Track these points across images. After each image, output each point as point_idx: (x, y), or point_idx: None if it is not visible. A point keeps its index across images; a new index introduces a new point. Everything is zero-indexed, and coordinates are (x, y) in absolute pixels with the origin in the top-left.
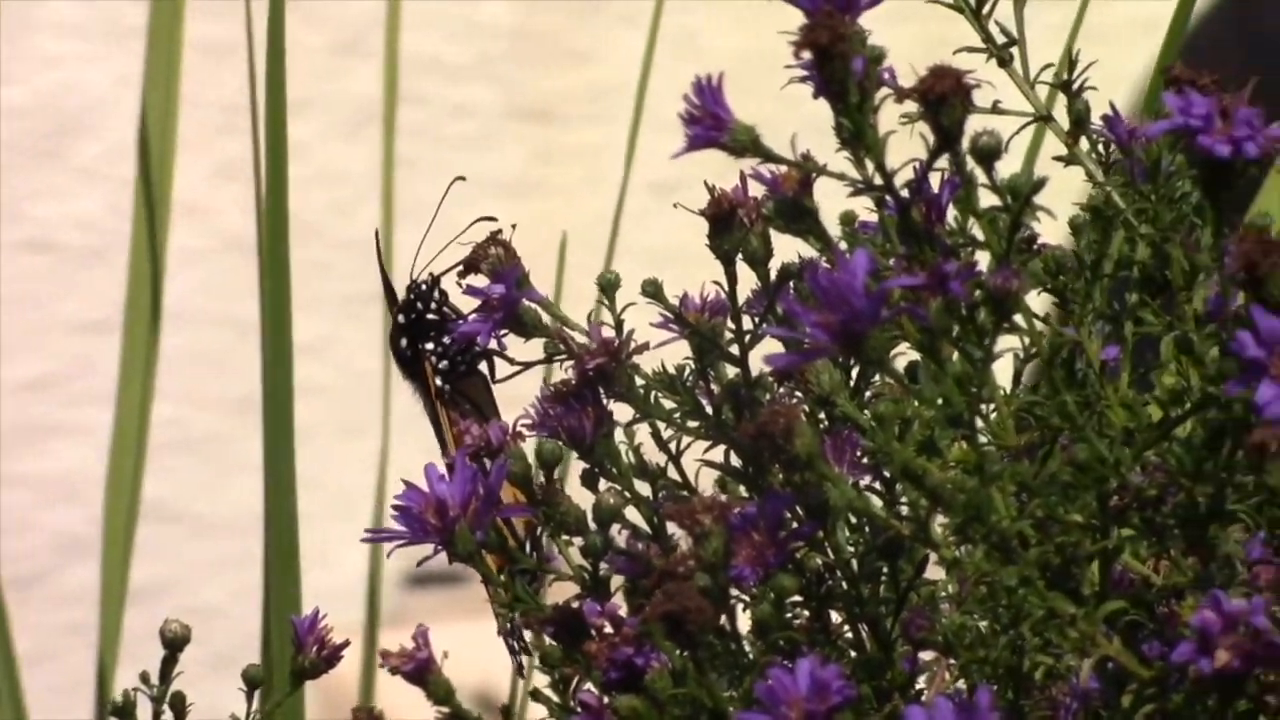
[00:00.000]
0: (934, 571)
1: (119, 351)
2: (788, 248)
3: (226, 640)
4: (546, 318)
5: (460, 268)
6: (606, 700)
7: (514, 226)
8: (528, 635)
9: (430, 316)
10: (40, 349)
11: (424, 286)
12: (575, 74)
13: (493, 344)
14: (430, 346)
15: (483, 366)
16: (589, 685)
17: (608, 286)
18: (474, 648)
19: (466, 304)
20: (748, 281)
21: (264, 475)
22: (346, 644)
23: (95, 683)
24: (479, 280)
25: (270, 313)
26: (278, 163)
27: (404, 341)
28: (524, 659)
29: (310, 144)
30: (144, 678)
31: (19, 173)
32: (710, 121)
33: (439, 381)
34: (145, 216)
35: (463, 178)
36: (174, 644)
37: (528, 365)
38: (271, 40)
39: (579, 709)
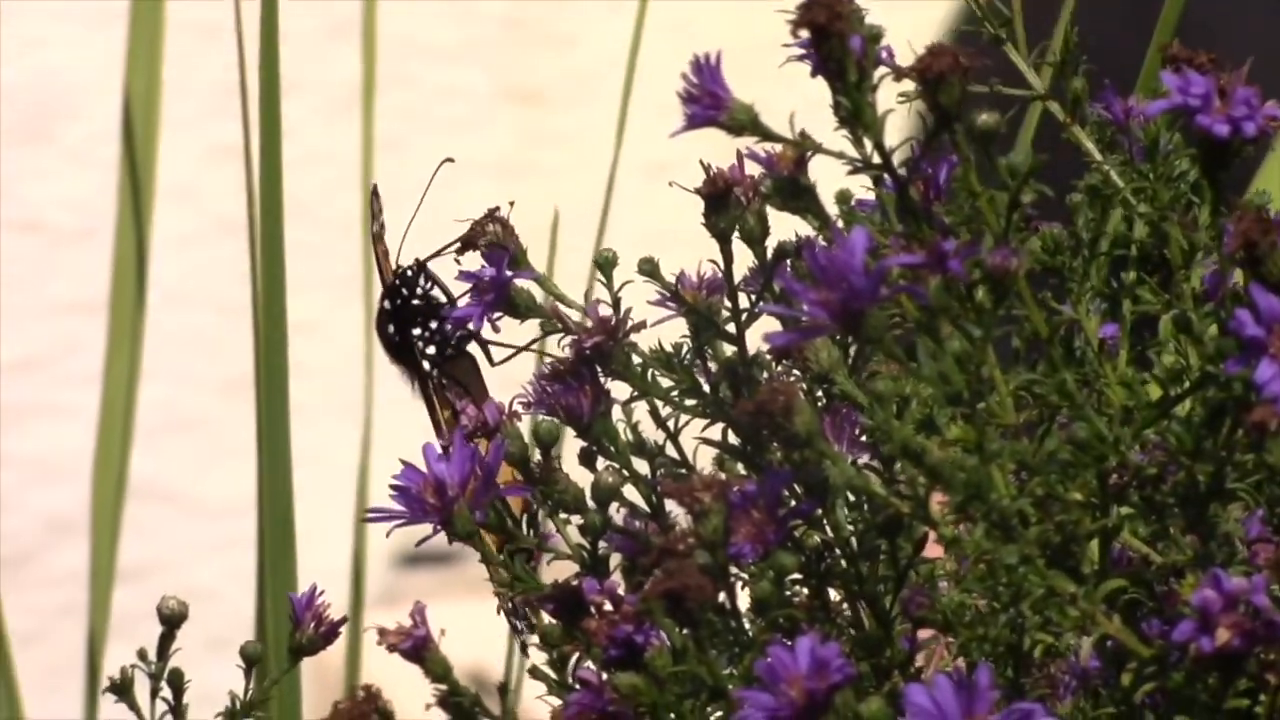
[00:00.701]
0: (933, 550)
1: (105, 332)
2: (784, 228)
3: (221, 622)
4: (541, 297)
5: (457, 245)
6: (606, 678)
7: (512, 204)
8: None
9: (416, 302)
10: (28, 329)
11: (409, 272)
12: (564, 57)
13: (486, 327)
14: (418, 332)
15: (473, 348)
16: (588, 663)
17: (605, 265)
18: (465, 629)
19: (458, 285)
20: (744, 261)
21: (257, 456)
22: (344, 620)
23: (85, 663)
24: (476, 259)
25: (265, 293)
26: (272, 144)
27: (391, 327)
28: (528, 637)
29: (299, 126)
30: (141, 655)
31: (7, 153)
32: (709, 100)
33: (426, 366)
34: (131, 198)
35: (451, 159)
36: (171, 620)
37: (522, 349)
38: (265, 22)
39: (578, 686)
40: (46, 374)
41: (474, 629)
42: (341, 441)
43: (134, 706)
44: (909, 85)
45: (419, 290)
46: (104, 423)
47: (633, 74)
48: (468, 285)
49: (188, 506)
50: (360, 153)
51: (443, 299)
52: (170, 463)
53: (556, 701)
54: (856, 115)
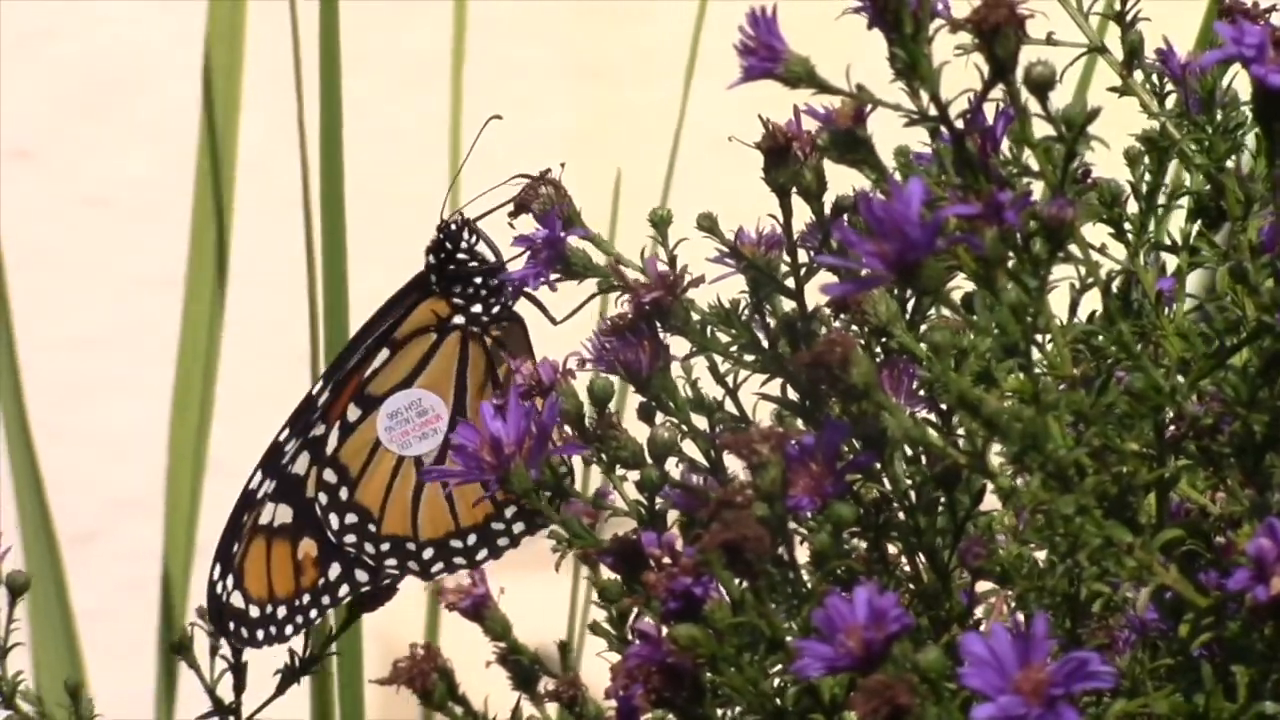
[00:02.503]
0: (990, 504)
1: (180, 309)
2: (841, 184)
3: None
4: (598, 256)
5: (510, 208)
6: (665, 631)
7: (563, 165)
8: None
9: (460, 256)
10: (97, 306)
11: (453, 226)
12: (633, 33)
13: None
14: (459, 288)
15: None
16: (647, 617)
17: (660, 222)
18: (525, 603)
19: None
20: (802, 219)
21: None
22: (400, 577)
23: (158, 639)
24: (528, 222)
25: (326, 269)
26: (332, 121)
27: (433, 279)
28: None
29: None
30: (201, 613)
31: (75, 129)
32: (765, 52)
33: (459, 319)
34: (210, 173)
35: (499, 116)
36: None
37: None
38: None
39: (637, 640)
40: (115, 351)
41: (534, 604)
42: None
43: (194, 664)
44: (965, 38)
45: (463, 244)
46: (179, 400)
47: (696, 49)
48: (523, 249)
49: None
50: (441, 127)
51: (489, 255)
52: (244, 440)
53: (616, 657)
54: (913, 67)
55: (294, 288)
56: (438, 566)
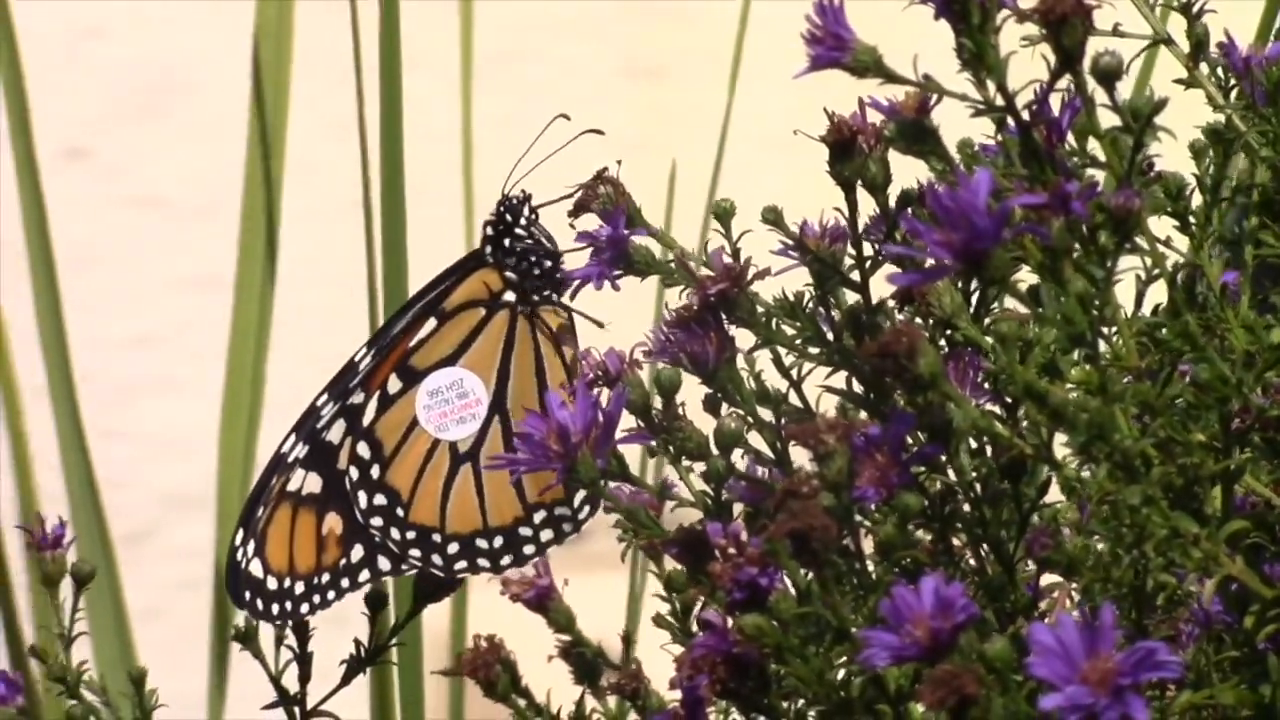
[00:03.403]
0: (1053, 498)
1: (230, 308)
2: (906, 177)
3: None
4: (660, 251)
5: (570, 209)
6: (730, 621)
7: (619, 163)
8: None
9: (519, 230)
10: (148, 305)
11: (515, 200)
12: (685, 33)
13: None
14: (513, 261)
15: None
16: (712, 608)
17: (723, 214)
18: (587, 604)
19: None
20: (865, 212)
21: None
22: (465, 570)
23: (211, 637)
24: (591, 221)
25: (385, 268)
26: (392, 119)
27: (488, 250)
28: None
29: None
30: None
31: (126, 129)
32: (832, 42)
33: (510, 296)
34: (260, 172)
35: (566, 116)
36: None
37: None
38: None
39: (702, 630)
40: (165, 350)
41: (596, 604)
42: None
43: (258, 655)
44: (1031, 29)
45: (523, 219)
46: (229, 398)
47: (741, 49)
48: (584, 245)
49: None
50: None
51: (544, 238)
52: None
53: (679, 650)
54: (979, 57)
55: (344, 286)
56: (461, 565)
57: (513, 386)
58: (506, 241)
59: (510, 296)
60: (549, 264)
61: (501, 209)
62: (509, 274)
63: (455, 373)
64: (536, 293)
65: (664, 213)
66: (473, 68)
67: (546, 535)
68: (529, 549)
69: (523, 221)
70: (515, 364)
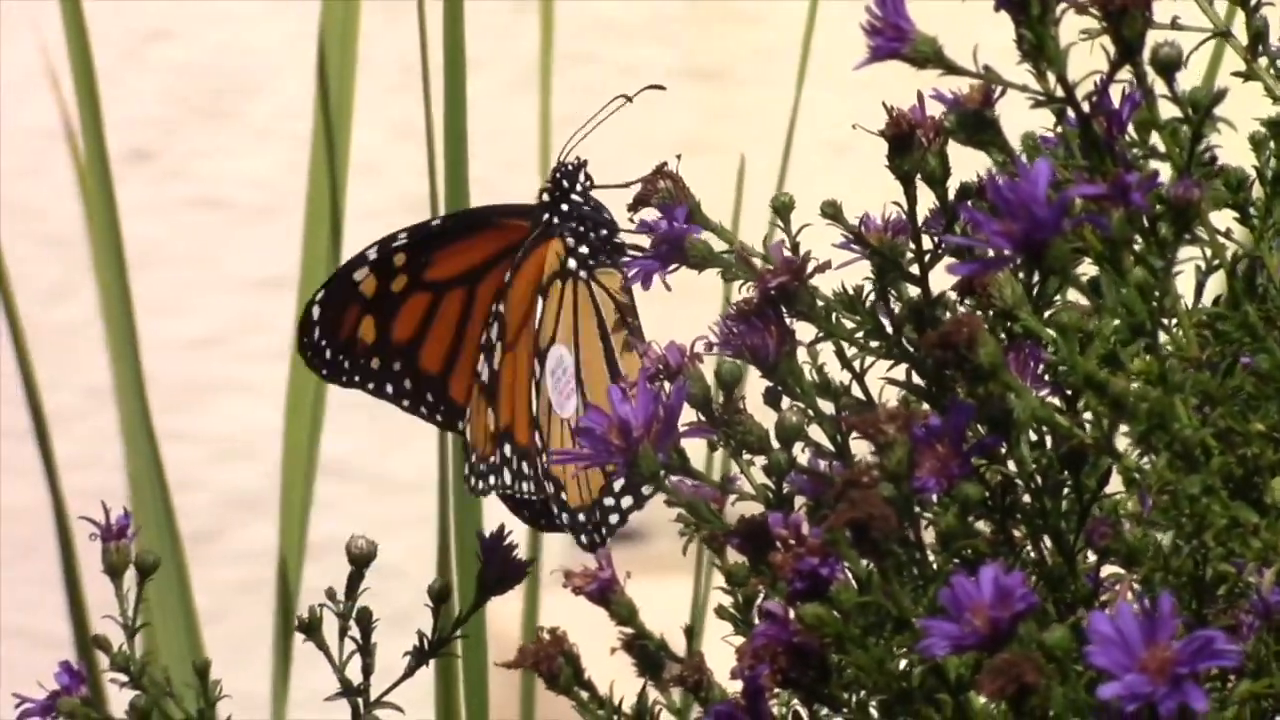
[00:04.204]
0: (1113, 489)
1: (294, 309)
2: (965, 171)
3: (404, 598)
4: (720, 245)
5: (629, 202)
6: (791, 611)
7: (679, 157)
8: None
9: (575, 197)
10: (211, 306)
11: (570, 167)
12: (748, 34)
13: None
14: (572, 225)
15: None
16: (773, 599)
17: (782, 209)
18: (647, 606)
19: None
20: (926, 205)
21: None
22: (532, 561)
23: (275, 638)
24: (650, 214)
25: None
26: (456, 121)
27: (545, 215)
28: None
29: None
30: (330, 594)
31: (189, 130)
32: (892, 33)
33: (572, 263)
34: (325, 173)
35: (628, 97)
36: (360, 560)
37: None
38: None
39: (763, 620)
40: (229, 351)
41: (656, 607)
42: None
43: (322, 645)
44: (1091, 21)
45: (579, 185)
46: (292, 400)
47: (808, 49)
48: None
49: (374, 484)
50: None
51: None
52: (358, 440)
53: (741, 642)
54: (1039, 48)
55: None
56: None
57: (582, 355)
58: (565, 206)
59: (572, 264)
60: (605, 231)
61: (558, 174)
62: (569, 239)
63: (558, 350)
64: (593, 257)
65: (731, 210)
66: (551, 67)
67: (627, 502)
68: (613, 519)
69: (578, 188)
70: (582, 336)
